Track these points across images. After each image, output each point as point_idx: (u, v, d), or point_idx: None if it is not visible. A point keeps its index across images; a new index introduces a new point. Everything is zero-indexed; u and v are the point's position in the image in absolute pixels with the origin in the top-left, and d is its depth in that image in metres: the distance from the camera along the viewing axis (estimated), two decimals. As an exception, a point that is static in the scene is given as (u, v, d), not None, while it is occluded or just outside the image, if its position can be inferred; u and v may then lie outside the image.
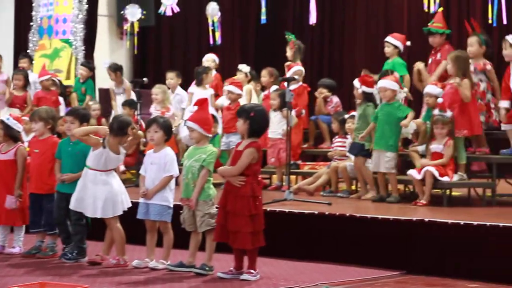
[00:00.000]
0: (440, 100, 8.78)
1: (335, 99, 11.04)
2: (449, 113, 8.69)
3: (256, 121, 6.49)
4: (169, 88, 11.29)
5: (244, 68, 11.29)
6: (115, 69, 11.99)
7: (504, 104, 8.92)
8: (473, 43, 9.27)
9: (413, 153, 9.05)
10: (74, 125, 7.34)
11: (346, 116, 9.98)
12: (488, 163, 9.33)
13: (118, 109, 11.64)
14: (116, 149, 7.03)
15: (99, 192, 6.99)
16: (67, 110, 9.84)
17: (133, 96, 11.43)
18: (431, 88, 9.04)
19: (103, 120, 11.50)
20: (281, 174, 10.10)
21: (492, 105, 9.17)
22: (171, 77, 11.51)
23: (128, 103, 11.24)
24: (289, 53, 11.05)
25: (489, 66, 9.18)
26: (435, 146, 8.66)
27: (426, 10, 10.59)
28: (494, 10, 10.02)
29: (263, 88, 11.25)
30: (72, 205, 7.09)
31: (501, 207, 8.60)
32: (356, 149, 9.32)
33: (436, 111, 8.82)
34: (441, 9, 10.06)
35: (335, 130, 10.19)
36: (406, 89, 9.37)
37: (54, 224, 7.43)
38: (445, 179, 8.47)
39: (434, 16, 10.01)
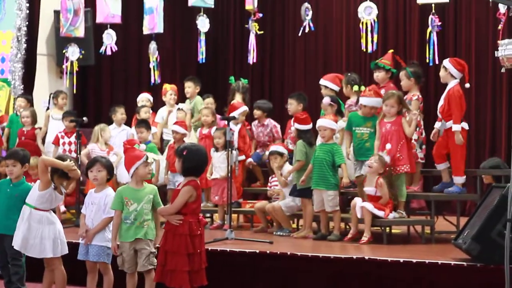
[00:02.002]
0: (388, 146, 8.86)
1: (271, 124, 10.99)
2: (387, 158, 8.78)
3: (189, 160, 6.48)
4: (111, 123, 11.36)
5: (185, 106, 11.30)
6: (56, 93, 12.22)
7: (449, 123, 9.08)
8: (402, 77, 9.60)
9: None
10: (16, 167, 7.29)
11: (267, 153, 10.05)
12: (427, 201, 9.48)
13: (49, 135, 11.65)
14: (60, 189, 6.97)
15: (46, 232, 6.89)
16: (4, 152, 9.75)
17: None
18: (373, 101, 9.14)
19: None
20: (223, 212, 10.11)
21: (415, 137, 9.35)
22: (123, 112, 11.49)
23: (70, 114, 11.40)
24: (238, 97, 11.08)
25: (414, 97, 9.40)
26: (368, 189, 8.74)
27: (364, 50, 10.79)
28: (431, 50, 10.29)
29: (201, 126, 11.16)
30: (18, 246, 6.96)
31: (440, 244, 8.69)
32: (295, 191, 9.41)
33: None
34: (391, 50, 10.27)
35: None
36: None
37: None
38: (381, 213, 8.57)
39: (380, 55, 10.21)
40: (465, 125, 9.04)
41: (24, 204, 6.99)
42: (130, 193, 6.79)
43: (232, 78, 11.29)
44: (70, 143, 11.16)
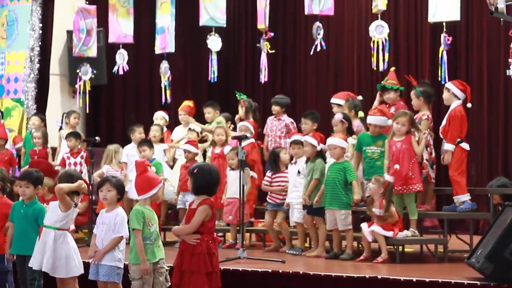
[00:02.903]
0: (396, 166, 8.87)
1: (287, 120, 11.07)
2: (389, 177, 8.79)
3: (199, 178, 6.50)
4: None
5: (196, 127, 11.32)
6: (69, 113, 12.27)
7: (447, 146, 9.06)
8: (412, 96, 9.63)
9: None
10: (29, 189, 7.36)
11: (289, 140, 10.03)
12: (440, 219, 9.45)
13: (61, 155, 11.70)
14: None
15: (70, 251, 6.93)
16: (18, 172, 9.78)
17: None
18: (382, 120, 9.21)
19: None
20: (236, 231, 10.10)
21: (426, 156, 9.34)
22: (141, 132, 11.49)
23: (73, 134, 11.37)
24: (241, 111, 11.18)
25: (424, 117, 9.40)
26: (376, 210, 8.76)
27: (375, 68, 10.78)
28: (443, 68, 10.30)
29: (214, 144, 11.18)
30: (43, 267, 6.94)
31: (453, 263, 8.66)
32: (310, 209, 9.37)
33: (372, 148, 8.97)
34: (392, 68, 10.29)
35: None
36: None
37: (5, 286, 7.35)
38: (390, 233, 8.54)
39: (387, 75, 10.22)
40: (465, 146, 9.02)
41: (42, 227, 7.01)
42: (149, 213, 6.81)
43: (242, 94, 11.33)
44: (75, 164, 11.13)
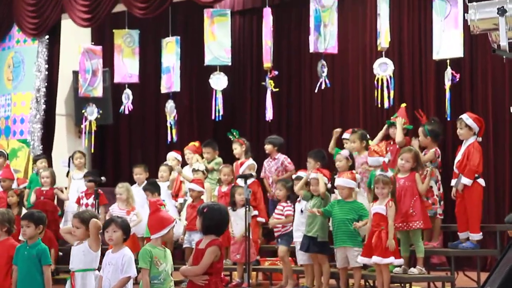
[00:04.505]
0: (386, 159, 8.92)
1: (281, 157, 11.15)
2: (390, 173, 8.81)
3: (209, 218, 6.45)
4: (134, 183, 11.40)
5: (200, 166, 11.33)
6: (73, 154, 12.38)
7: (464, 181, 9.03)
8: (420, 133, 9.73)
9: None
10: (30, 228, 7.35)
11: (293, 176, 10.08)
12: (447, 256, 9.41)
13: (70, 195, 11.79)
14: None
15: None
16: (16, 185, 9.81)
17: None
18: (375, 160, 9.30)
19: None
20: (242, 270, 10.06)
21: (436, 192, 9.33)
22: (139, 172, 11.54)
23: (88, 173, 11.47)
24: (238, 150, 11.23)
25: (432, 149, 9.48)
26: (376, 207, 8.70)
27: (379, 106, 10.81)
28: (447, 106, 10.31)
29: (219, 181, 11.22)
30: None
31: (460, 300, 8.62)
32: (305, 246, 9.33)
33: (378, 171, 8.96)
34: (403, 105, 10.30)
35: (281, 197, 10.14)
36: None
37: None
38: (391, 259, 8.47)
39: (397, 110, 10.24)
40: (481, 181, 9.00)
41: (73, 272, 7.01)
42: (158, 253, 6.76)
43: (235, 131, 11.41)
44: (87, 205, 11.16)
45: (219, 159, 11.58)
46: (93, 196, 10.94)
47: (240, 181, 10.33)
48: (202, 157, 11.78)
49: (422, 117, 9.99)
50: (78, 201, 11.41)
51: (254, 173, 10.34)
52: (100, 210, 10.63)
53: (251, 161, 10.99)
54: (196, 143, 11.95)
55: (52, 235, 10.98)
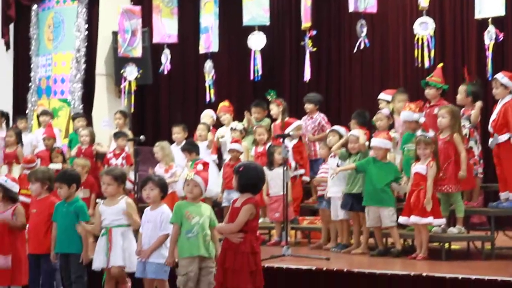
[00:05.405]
0: (422, 120, 8.82)
1: (319, 117, 11.11)
2: (431, 133, 8.72)
3: (244, 176, 6.47)
4: (173, 143, 11.40)
5: (238, 126, 11.29)
6: (125, 114, 12.42)
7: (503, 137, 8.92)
8: (461, 92, 9.53)
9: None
10: (63, 189, 7.46)
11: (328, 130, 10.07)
12: (487, 216, 9.34)
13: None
14: None
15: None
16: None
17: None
18: (408, 115, 9.10)
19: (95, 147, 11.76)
20: (281, 229, 10.08)
21: (477, 152, 9.22)
22: (178, 132, 11.55)
23: (121, 134, 11.56)
24: (275, 110, 11.17)
25: (479, 103, 9.31)
26: (418, 167, 8.60)
27: (419, 65, 10.68)
28: (489, 65, 10.16)
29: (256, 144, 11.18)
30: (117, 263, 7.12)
31: (500, 260, 8.55)
32: (349, 204, 9.31)
33: (419, 132, 8.87)
34: (440, 64, 10.14)
35: (323, 156, 10.08)
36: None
37: (52, 284, 7.44)
38: (429, 219, 8.43)
39: (434, 71, 10.12)
40: None
41: (112, 228, 7.15)
42: (190, 207, 6.82)
43: (273, 91, 11.35)
44: (116, 165, 11.14)
45: (268, 120, 11.50)
46: (122, 155, 11.00)
47: (287, 142, 10.21)
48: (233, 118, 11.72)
49: (468, 76, 9.80)
50: (107, 161, 11.46)
51: (292, 133, 10.28)
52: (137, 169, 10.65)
53: (299, 122, 10.90)
54: (226, 103, 11.89)
55: (94, 180, 10.91)
